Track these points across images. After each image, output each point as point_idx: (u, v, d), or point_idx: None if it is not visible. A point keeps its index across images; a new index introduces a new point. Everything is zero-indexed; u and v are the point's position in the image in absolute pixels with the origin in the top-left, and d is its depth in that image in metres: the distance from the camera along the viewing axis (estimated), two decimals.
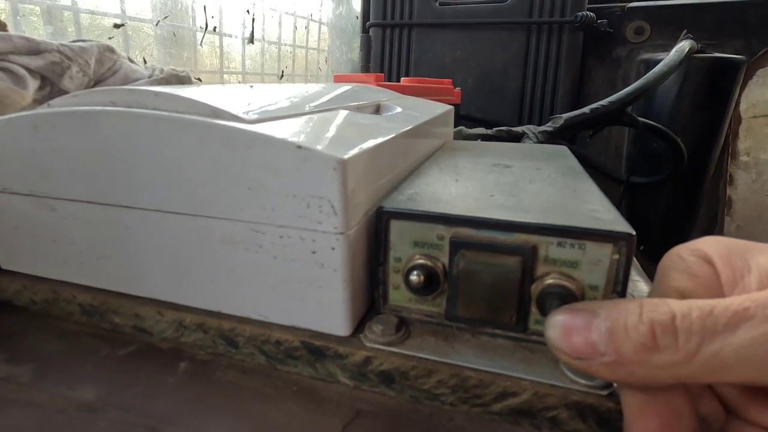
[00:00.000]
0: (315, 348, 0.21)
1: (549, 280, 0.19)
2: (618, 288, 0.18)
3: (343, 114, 0.27)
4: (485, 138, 0.56)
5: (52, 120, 0.22)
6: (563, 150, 0.38)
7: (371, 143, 0.21)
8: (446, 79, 0.75)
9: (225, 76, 0.69)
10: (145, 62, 0.53)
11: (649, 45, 0.87)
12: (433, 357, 0.19)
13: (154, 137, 0.20)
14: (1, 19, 0.30)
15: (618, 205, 0.71)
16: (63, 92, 0.31)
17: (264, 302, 0.21)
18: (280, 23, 0.85)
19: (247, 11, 0.66)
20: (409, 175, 0.27)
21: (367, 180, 0.20)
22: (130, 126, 0.20)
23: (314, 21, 0.98)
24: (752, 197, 0.81)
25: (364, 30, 0.97)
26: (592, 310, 0.15)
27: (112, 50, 0.35)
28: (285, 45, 0.88)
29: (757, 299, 0.12)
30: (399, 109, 0.37)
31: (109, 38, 0.46)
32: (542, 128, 0.57)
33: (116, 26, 0.48)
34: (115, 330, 0.25)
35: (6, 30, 0.30)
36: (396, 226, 0.20)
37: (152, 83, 0.35)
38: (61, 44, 0.31)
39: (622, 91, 0.60)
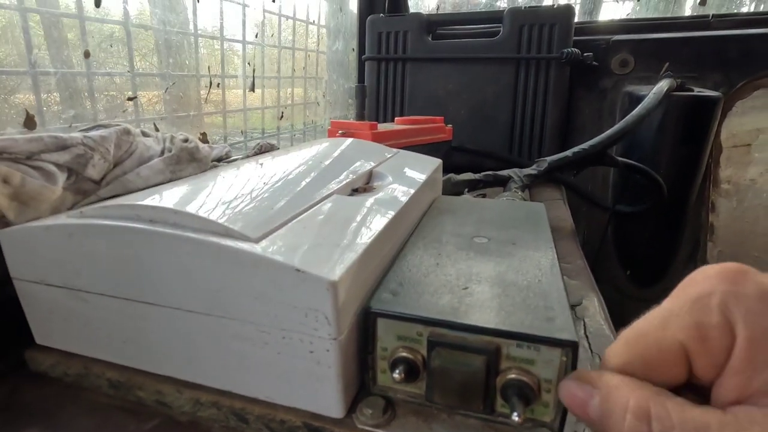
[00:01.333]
0: (314, 428, 0.24)
1: (510, 375, 0.22)
2: None
3: (335, 208, 0.30)
4: (473, 184, 0.59)
5: (84, 231, 0.26)
6: (539, 211, 0.42)
7: (361, 248, 0.25)
8: (438, 117, 0.79)
9: (229, 117, 0.73)
10: (156, 129, 0.57)
11: (633, 77, 0.90)
12: None
13: (173, 253, 0.24)
14: (30, 112, 0.34)
15: (604, 232, 0.74)
16: (87, 179, 0.34)
17: (270, 387, 0.25)
18: (279, 63, 0.89)
19: (248, 63, 0.70)
20: (397, 254, 0.31)
21: (356, 288, 0.24)
22: (152, 242, 0.24)
23: (312, 51, 1.01)
24: (733, 223, 0.85)
25: (360, 63, 1.01)
26: (593, 384, 0.18)
27: (128, 132, 0.39)
28: (284, 78, 0.92)
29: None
30: (389, 179, 0.40)
31: (123, 111, 0.49)
32: (527, 171, 0.61)
33: (129, 99, 0.52)
34: (140, 403, 0.28)
35: (35, 125, 0.33)
36: (382, 323, 0.24)
37: (166, 163, 0.39)
38: (85, 136, 0.34)
39: (602, 135, 0.63)
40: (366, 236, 0.26)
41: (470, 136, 0.93)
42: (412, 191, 0.37)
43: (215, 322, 0.24)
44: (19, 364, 0.31)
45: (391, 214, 0.31)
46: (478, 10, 1.04)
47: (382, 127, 0.67)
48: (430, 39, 0.95)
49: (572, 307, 0.42)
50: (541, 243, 0.34)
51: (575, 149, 0.62)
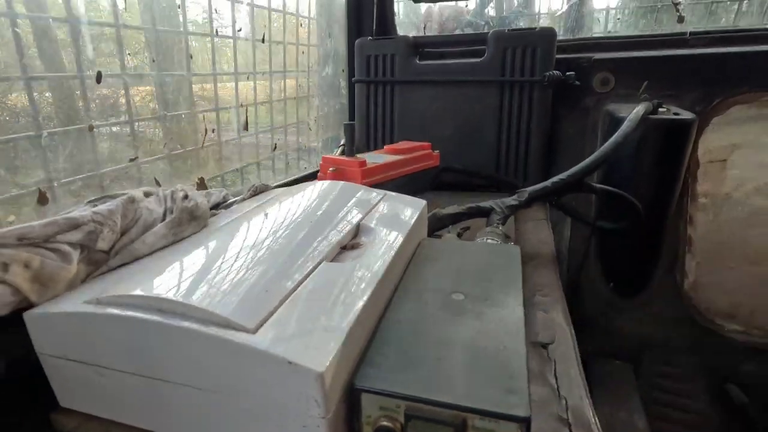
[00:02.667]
0: None
1: None
2: None
3: (324, 280, 0.34)
4: (457, 217, 0.63)
5: (101, 319, 0.29)
6: (514, 256, 0.45)
7: (345, 332, 0.28)
8: (426, 143, 0.82)
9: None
10: (158, 184, 0.60)
11: (614, 95, 0.93)
12: None
13: (180, 343, 0.27)
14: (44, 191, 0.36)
15: (587, 247, 0.78)
16: (98, 251, 0.37)
17: None
18: (270, 88, 0.91)
19: (241, 105, 0.73)
20: (383, 313, 0.34)
21: (342, 368, 0.27)
22: (161, 332, 0.27)
23: (303, 72, 1.04)
24: (710, 236, 0.89)
25: (350, 85, 1.03)
26: None
27: (132, 200, 0.42)
28: (276, 100, 0.95)
29: None
30: (375, 234, 0.44)
31: (126, 171, 0.52)
32: (509, 202, 0.64)
33: (131, 160, 0.54)
34: None
35: (47, 201, 0.36)
36: (366, 397, 0.27)
37: (168, 228, 0.42)
38: (94, 212, 0.37)
39: (581, 164, 0.67)
40: (351, 314, 0.30)
41: (458, 155, 0.96)
42: (396, 246, 0.41)
43: (221, 398, 0.28)
44: (44, 425, 0.35)
45: (375, 281, 0.34)
46: (464, 33, 1.06)
47: (372, 160, 0.70)
48: (417, 60, 0.98)
49: (544, 346, 0.46)
50: (511, 299, 0.37)
51: (554, 179, 0.66)
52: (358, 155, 0.74)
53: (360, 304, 0.31)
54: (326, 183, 0.57)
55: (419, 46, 1.00)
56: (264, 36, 0.85)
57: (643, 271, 0.90)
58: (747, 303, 0.87)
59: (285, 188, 0.60)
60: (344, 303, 0.31)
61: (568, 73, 0.91)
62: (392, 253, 0.39)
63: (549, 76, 0.87)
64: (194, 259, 0.36)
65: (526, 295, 0.56)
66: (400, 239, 0.43)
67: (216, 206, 0.58)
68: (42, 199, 0.46)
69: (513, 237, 0.72)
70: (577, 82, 0.91)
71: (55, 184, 0.53)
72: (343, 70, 1.10)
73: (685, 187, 0.89)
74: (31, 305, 0.32)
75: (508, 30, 0.91)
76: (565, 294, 0.74)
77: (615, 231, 0.83)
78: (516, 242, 0.70)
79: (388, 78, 0.99)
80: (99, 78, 0.59)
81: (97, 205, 0.41)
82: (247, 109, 0.75)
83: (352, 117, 1.06)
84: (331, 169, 0.67)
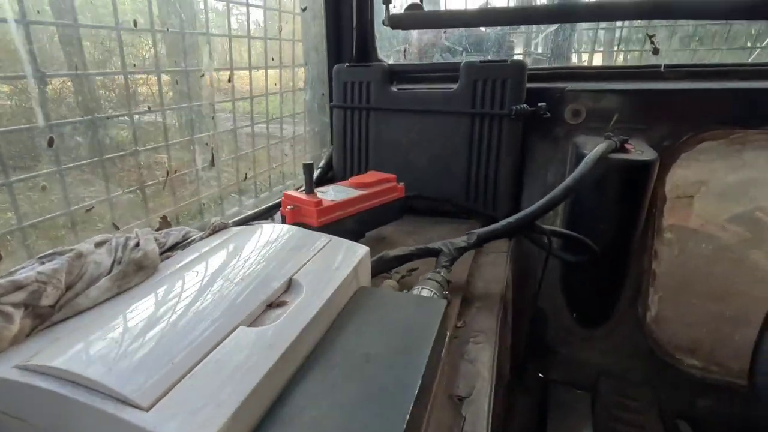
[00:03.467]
0: None
1: None
2: None
3: (233, 348, 0.37)
4: (405, 259, 0.65)
5: (24, 386, 0.33)
6: (437, 311, 0.48)
7: (233, 408, 0.31)
8: (392, 176, 0.85)
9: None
10: (116, 228, 0.64)
11: (584, 127, 0.94)
12: None
13: (83, 416, 0.31)
14: None
15: (542, 272, 0.79)
16: (43, 307, 0.42)
17: None
18: (252, 113, 0.95)
19: (206, 143, 0.77)
20: (288, 383, 0.37)
21: None
22: (68, 405, 0.31)
23: (288, 91, 1.07)
24: (675, 271, 0.90)
25: (330, 110, 1.06)
26: None
27: (80, 255, 0.46)
28: (259, 123, 0.98)
29: None
30: (303, 293, 0.47)
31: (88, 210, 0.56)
32: (458, 244, 0.67)
33: (87, 211, 0.58)
34: None
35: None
36: None
37: (113, 281, 0.46)
38: (38, 272, 0.41)
39: (532, 207, 0.69)
40: (246, 388, 0.33)
41: (430, 182, 0.99)
42: (318, 307, 0.44)
43: None
44: None
45: (280, 350, 0.37)
46: (437, 62, 1.07)
47: (332, 196, 0.73)
48: (392, 88, 1.00)
49: (460, 399, 0.49)
50: (414, 361, 0.40)
51: (504, 222, 0.68)
52: (320, 190, 0.77)
53: (257, 377, 0.34)
54: (275, 228, 0.60)
55: (394, 74, 1.02)
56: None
57: (605, 303, 0.91)
58: (708, 339, 0.88)
59: (240, 228, 0.64)
60: (244, 375, 0.34)
61: (539, 105, 0.92)
62: (311, 315, 0.43)
63: (517, 110, 0.89)
64: (120, 322, 0.40)
65: (459, 342, 0.59)
66: (326, 296, 0.46)
67: (175, 245, 0.62)
68: None
69: (467, 271, 0.74)
70: (548, 114, 0.92)
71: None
72: (323, 94, 1.13)
73: (651, 221, 0.90)
74: None
75: (480, 62, 0.93)
76: (529, 321, 0.75)
77: (574, 264, 0.84)
78: (469, 279, 0.73)
79: (363, 105, 1.01)
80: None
81: (44, 262, 0.45)
82: (212, 148, 0.79)
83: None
84: (289, 207, 0.70)
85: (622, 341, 0.93)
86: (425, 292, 0.55)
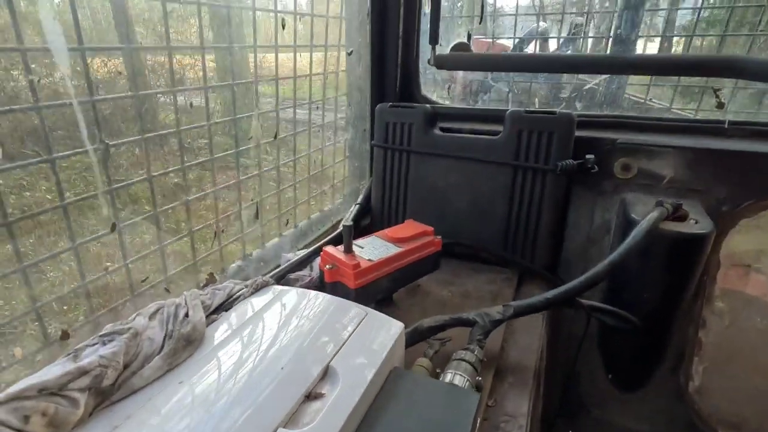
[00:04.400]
0: None
1: None
2: None
3: None
4: (438, 329, 0.66)
5: None
6: (469, 409, 0.48)
7: None
8: (429, 228, 0.85)
9: None
10: (167, 291, 0.69)
11: (635, 183, 0.90)
12: None
13: None
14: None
15: (581, 339, 0.77)
16: (104, 388, 0.45)
17: None
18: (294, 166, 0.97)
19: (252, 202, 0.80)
20: None
21: None
22: None
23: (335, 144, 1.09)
24: (724, 341, 0.85)
25: (371, 147, 1.06)
26: None
27: (136, 335, 0.49)
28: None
29: None
30: (339, 383, 0.48)
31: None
32: (493, 316, 0.66)
33: (142, 281, 0.62)
34: None
35: (68, 337, 0.44)
36: None
37: (164, 359, 0.49)
38: (101, 356, 0.45)
39: (573, 283, 0.67)
40: None
41: (468, 227, 0.98)
42: (354, 403, 0.46)
43: None
44: None
45: None
46: (482, 107, 1.04)
47: (368, 253, 0.74)
48: (434, 131, 0.99)
49: None
50: None
51: (542, 297, 0.67)
52: (358, 244, 0.78)
53: None
54: (311, 299, 0.62)
55: (437, 117, 1.01)
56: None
57: (645, 369, 0.88)
58: (754, 416, 0.83)
59: (280, 290, 0.66)
60: None
61: (587, 157, 0.89)
62: (347, 412, 0.44)
63: (562, 166, 0.86)
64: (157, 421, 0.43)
65: (489, 425, 0.59)
66: (362, 390, 0.47)
67: (221, 305, 0.65)
68: (64, 336, 0.56)
69: (502, 337, 0.73)
70: (595, 168, 0.88)
71: None
72: (365, 130, 1.14)
73: (700, 288, 0.85)
74: None
75: (525, 111, 0.90)
76: (561, 380, 0.73)
77: (614, 328, 0.82)
78: (503, 345, 0.72)
79: (405, 147, 1.01)
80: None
81: (105, 342, 0.49)
82: (257, 203, 0.82)
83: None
84: (328, 266, 0.72)
85: (659, 409, 0.89)
86: (458, 379, 0.56)
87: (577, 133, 0.90)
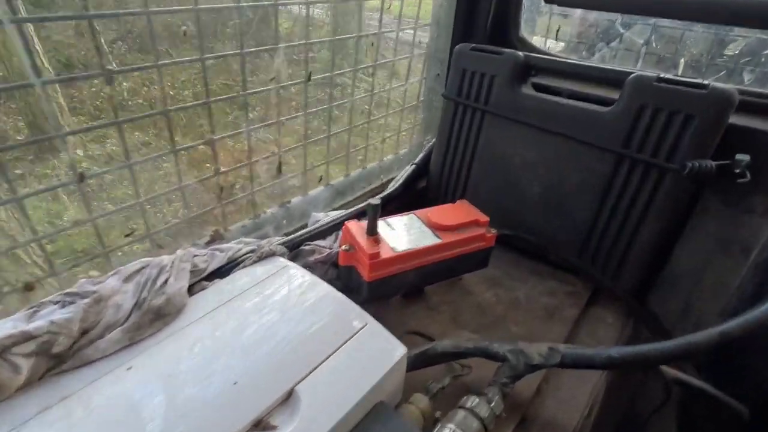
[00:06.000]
0: None
1: None
2: None
3: None
4: (456, 356, 0.52)
5: None
6: None
7: None
8: (484, 218, 0.68)
9: None
10: (159, 247, 0.63)
11: None
12: None
13: None
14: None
15: (656, 409, 0.60)
16: (56, 355, 0.42)
17: None
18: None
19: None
20: None
21: None
22: None
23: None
24: None
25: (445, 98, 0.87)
26: None
27: (98, 300, 0.44)
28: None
29: None
30: (305, 409, 0.39)
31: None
32: (531, 358, 0.50)
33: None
34: None
35: (32, 289, 0.41)
36: None
37: (124, 332, 0.44)
38: (51, 322, 0.41)
39: (667, 343, 0.47)
40: None
41: (538, 218, 0.78)
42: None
43: None
44: None
45: None
46: (592, 65, 0.75)
47: (393, 242, 0.61)
48: (523, 88, 0.76)
49: None
50: None
51: (605, 354, 0.49)
52: (389, 222, 0.65)
53: None
54: (314, 289, 0.52)
55: (530, 70, 0.77)
56: None
57: None
58: None
59: (284, 264, 0.57)
60: None
61: (737, 157, 0.61)
62: None
63: (693, 168, 0.60)
64: (104, 404, 0.38)
65: None
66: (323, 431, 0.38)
67: (218, 269, 0.59)
68: (28, 287, 0.53)
69: (538, 379, 0.58)
70: (747, 176, 0.61)
71: None
72: (438, 75, 0.93)
73: None
74: None
75: (658, 78, 0.63)
76: None
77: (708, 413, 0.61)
78: (534, 397, 0.57)
79: (480, 104, 0.80)
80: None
81: (66, 303, 0.44)
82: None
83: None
84: (344, 247, 0.61)
85: None
86: None
87: (732, 120, 0.62)
